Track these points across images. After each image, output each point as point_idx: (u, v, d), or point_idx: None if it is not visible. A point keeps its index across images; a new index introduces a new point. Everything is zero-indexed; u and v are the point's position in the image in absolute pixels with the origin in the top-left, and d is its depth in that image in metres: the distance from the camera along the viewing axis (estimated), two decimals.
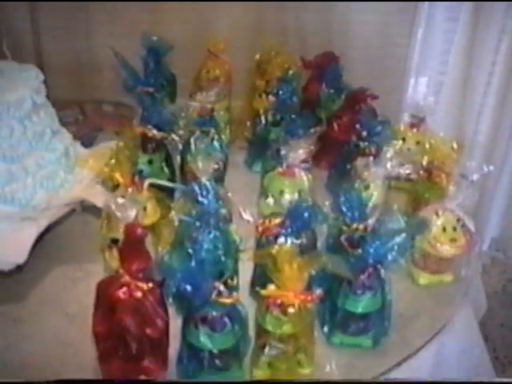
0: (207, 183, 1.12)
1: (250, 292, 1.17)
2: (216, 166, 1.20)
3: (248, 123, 1.62)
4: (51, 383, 1.00)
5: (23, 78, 1.27)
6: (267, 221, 1.12)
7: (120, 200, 1.12)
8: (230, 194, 1.19)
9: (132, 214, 1.09)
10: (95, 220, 1.30)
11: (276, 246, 1.01)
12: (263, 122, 1.53)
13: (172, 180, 1.36)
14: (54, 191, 1.26)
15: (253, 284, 1.17)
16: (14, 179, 1.20)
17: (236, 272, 1.13)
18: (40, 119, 1.26)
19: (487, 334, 1.36)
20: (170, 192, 1.29)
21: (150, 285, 0.98)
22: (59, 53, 2.12)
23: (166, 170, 1.38)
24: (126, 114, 1.82)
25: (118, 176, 1.22)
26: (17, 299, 1.20)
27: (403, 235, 1.05)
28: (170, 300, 1.07)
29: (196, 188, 1.11)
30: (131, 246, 0.97)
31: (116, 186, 1.24)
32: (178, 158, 1.44)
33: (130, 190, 1.20)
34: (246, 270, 1.18)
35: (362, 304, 1.07)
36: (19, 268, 1.20)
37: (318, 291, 1.01)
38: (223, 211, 1.10)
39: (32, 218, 1.22)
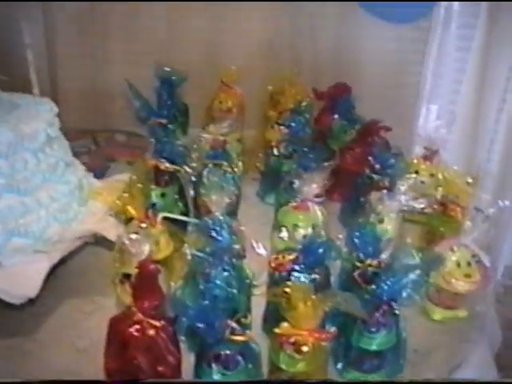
0: (221, 218, 1.11)
1: (263, 328, 1.16)
2: (229, 200, 1.19)
3: (260, 154, 1.62)
4: (49, 383, 1.01)
5: (38, 111, 1.27)
6: (281, 256, 1.11)
7: (133, 236, 1.11)
8: (243, 228, 1.18)
9: (145, 249, 1.08)
10: (107, 253, 1.30)
11: (290, 284, 0.99)
12: (276, 153, 1.52)
13: (185, 213, 1.36)
14: (66, 224, 1.26)
15: (265, 320, 1.16)
16: (28, 212, 1.20)
17: (249, 308, 1.12)
18: (53, 152, 1.26)
19: (502, 363, 1.34)
20: (182, 225, 1.28)
21: (163, 322, 0.97)
22: (74, 80, 2.13)
23: (179, 203, 1.38)
24: (139, 144, 1.82)
25: (131, 209, 1.22)
26: (27, 332, 1.19)
27: (418, 272, 1.04)
28: (182, 337, 1.05)
29: (209, 223, 1.10)
30: (144, 282, 0.97)
31: (129, 220, 1.24)
32: (191, 191, 1.42)
33: (143, 224, 1.18)
34: (258, 306, 1.16)
35: (376, 341, 1.05)
36: (30, 301, 1.19)
37: (333, 329, 1.00)
38: (236, 246, 1.09)
39: (44, 251, 1.21)
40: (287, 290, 0.96)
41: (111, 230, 1.30)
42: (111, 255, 1.22)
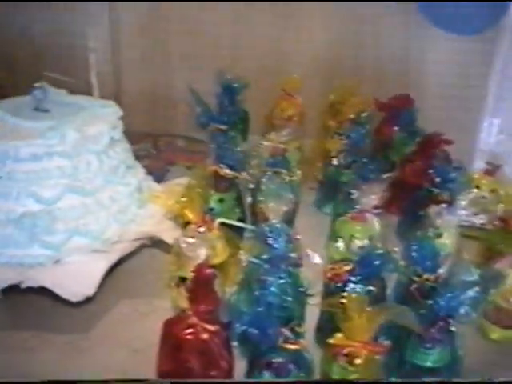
0: (278, 226, 1.11)
1: (315, 338, 1.15)
2: (287, 208, 1.19)
3: (319, 164, 1.61)
4: (51, 383, 1.01)
5: (103, 114, 1.30)
6: (337, 267, 1.10)
7: (190, 240, 1.12)
8: (299, 237, 1.18)
9: (202, 253, 1.09)
10: (164, 255, 1.32)
11: (346, 295, 0.99)
12: (335, 163, 1.51)
13: (242, 219, 1.36)
14: (125, 225, 1.28)
15: (318, 330, 1.15)
16: (88, 212, 1.23)
17: (303, 317, 1.11)
18: (116, 154, 1.29)
19: None
20: (239, 231, 1.29)
21: (217, 327, 0.97)
22: (136, 84, 2.15)
23: (236, 209, 1.38)
24: (198, 149, 1.84)
25: (189, 213, 1.22)
26: (83, 330, 1.21)
27: (476, 288, 1.02)
28: (235, 343, 1.06)
29: (267, 230, 1.10)
30: (200, 286, 0.97)
31: (187, 223, 1.24)
32: (249, 198, 1.43)
33: (201, 228, 1.19)
34: (311, 315, 1.16)
35: (431, 358, 1.03)
36: (88, 300, 1.21)
37: (387, 343, 0.99)
38: (293, 255, 1.09)
39: (103, 251, 1.23)
40: (343, 300, 0.95)
41: (168, 232, 1.31)
42: (168, 258, 1.23)
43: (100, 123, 1.26)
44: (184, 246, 1.12)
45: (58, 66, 2.11)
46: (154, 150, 1.85)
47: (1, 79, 1.82)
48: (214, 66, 1.79)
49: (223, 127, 1.60)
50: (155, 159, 1.79)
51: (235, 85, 1.70)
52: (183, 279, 1.15)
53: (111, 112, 1.31)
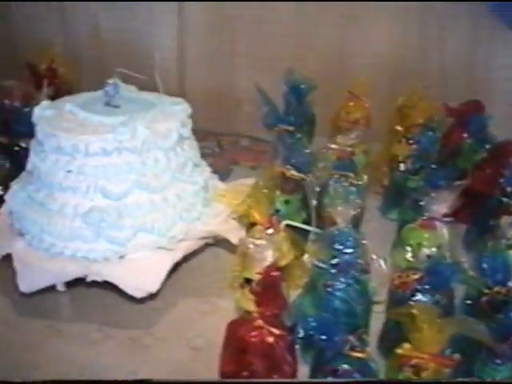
0: (346, 230, 1.09)
1: (378, 346, 1.13)
2: (354, 212, 1.17)
3: (385, 168, 1.57)
4: (48, 383, 1.00)
5: (172, 111, 1.30)
6: (404, 275, 1.08)
7: (258, 241, 1.11)
8: (366, 242, 1.15)
9: (268, 255, 1.08)
10: (227, 255, 1.33)
11: (416, 305, 0.96)
12: (402, 168, 1.48)
13: (307, 222, 1.34)
14: (191, 223, 1.28)
15: (382, 338, 1.12)
16: (155, 209, 1.23)
17: (368, 325, 1.09)
18: (184, 151, 1.29)
19: None
20: (304, 234, 1.27)
21: (282, 330, 0.96)
22: (201, 82, 2.16)
23: (301, 211, 1.36)
24: (263, 149, 1.83)
25: (255, 214, 1.21)
26: (146, 326, 1.21)
27: None
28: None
29: (334, 234, 1.08)
30: (267, 289, 0.96)
31: (252, 224, 1.23)
32: (314, 201, 1.41)
33: (269, 230, 1.17)
34: (374, 323, 1.13)
35: (501, 374, 1.00)
36: (151, 296, 1.21)
37: (456, 356, 0.96)
38: (360, 261, 1.07)
39: (168, 249, 1.23)
40: (413, 310, 0.92)
41: (233, 232, 1.31)
42: (231, 257, 1.24)
43: (170, 120, 1.26)
44: (251, 247, 1.11)
45: (125, 63, 2.14)
46: (217, 148, 1.84)
47: (68, 75, 1.82)
48: (279, 66, 1.77)
49: (290, 128, 1.58)
50: (219, 158, 1.79)
51: (303, 85, 1.67)
52: (248, 280, 1.14)
53: (181, 109, 1.31)
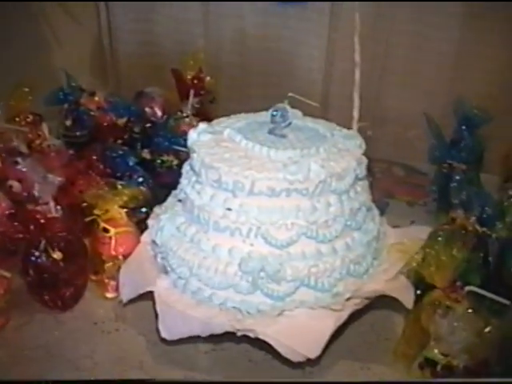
0: None
1: None
2: None
3: None
4: (48, 383, 0.96)
5: (346, 147, 1.10)
6: None
7: (439, 316, 0.89)
8: None
9: (462, 336, 0.86)
10: (396, 318, 1.15)
11: None
12: None
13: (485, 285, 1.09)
14: (358, 279, 1.06)
15: None
16: (322, 261, 1.03)
17: None
18: (357, 195, 1.09)
19: None
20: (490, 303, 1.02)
21: None
22: (346, 98, 1.93)
23: (480, 271, 1.12)
24: (419, 182, 1.62)
25: (435, 276, 1.02)
26: None
27: None
28: None
29: None
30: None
31: (429, 286, 1.03)
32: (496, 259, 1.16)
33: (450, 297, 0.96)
34: None
35: None
36: (308, 361, 1.01)
37: None
38: None
39: (331, 308, 1.01)
40: None
41: (404, 292, 1.10)
42: (400, 322, 1.10)
43: (345, 158, 1.06)
44: (438, 322, 0.89)
45: (267, 71, 1.96)
46: (370, 177, 1.60)
47: (213, 85, 1.63)
48: (434, 87, 1.64)
49: (462, 166, 1.34)
50: (372, 189, 1.55)
51: (475, 117, 1.41)
52: (431, 362, 0.92)
53: (356, 145, 1.09)
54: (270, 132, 1.14)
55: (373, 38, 1.78)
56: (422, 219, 1.41)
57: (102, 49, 2.06)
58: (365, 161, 1.11)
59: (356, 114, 1.25)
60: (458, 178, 1.35)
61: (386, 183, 1.62)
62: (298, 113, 1.22)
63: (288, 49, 1.96)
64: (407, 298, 1.08)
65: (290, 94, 1.13)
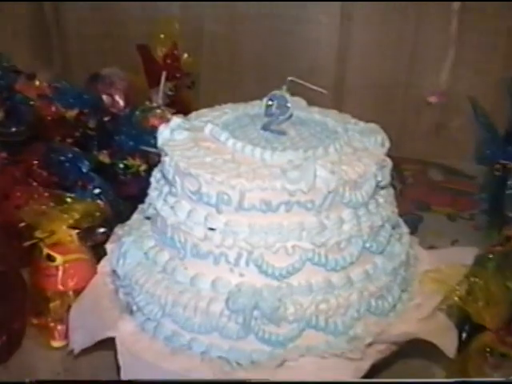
0: None
1: None
2: None
3: None
4: (45, 383, 1.02)
5: (364, 145, 1.13)
6: None
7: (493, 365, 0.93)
8: None
9: None
10: (433, 369, 1.17)
11: None
12: None
13: None
14: (383, 318, 1.09)
15: None
16: (333, 295, 1.06)
17: None
18: (378, 208, 1.13)
19: None
20: None
21: None
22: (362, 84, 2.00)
23: None
24: (462, 188, 1.67)
25: (484, 314, 1.05)
26: None
27: None
28: None
29: None
30: None
31: (476, 327, 1.07)
32: None
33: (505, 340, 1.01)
34: None
35: None
36: None
37: None
38: None
39: (347, 356, 1.04)
40: None
41: (443, 336, 1.12)
42: (437, 373, 1.14)
43: (364, 161, 1.09)
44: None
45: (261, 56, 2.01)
46: (398, 183, 1.65)
47: (190, 65, 1.67)
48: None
49: None
50: (401, 198, 1.59)
51: None
52: None
53: (377, 142, 1.12)
54: (265, 128, 1.16)
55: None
56: (467, 238, 1.44)
57: (44, 18, 2.10)
58: (389, 163, 1.14)
59: None
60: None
61: (419, 191, 1.66)
62: (301, 102, 1.25)
63: (291, 13, 1.99)
64: (448, 344, 1.11)
65: (289, 78, 1.15)
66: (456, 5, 1.83)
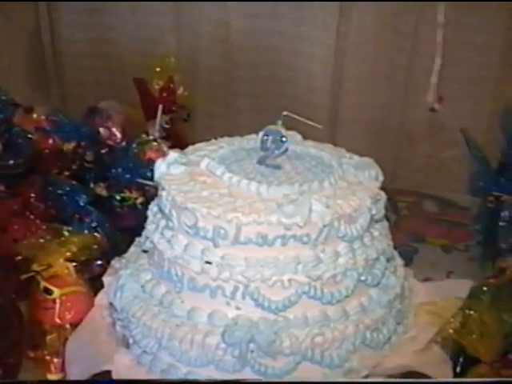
0: None
1: None
2: None
3: None
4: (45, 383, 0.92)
5: (359, 179, 1.15)
6: None
7: None
8: None
9: None
10: None
11: None
12: None
13: None
14: (378, 351, 1.10)
15: None
16: (329, 327, 1.07)
17: None
18: (373, 241, 1.14)
19: None
20: None
21: None
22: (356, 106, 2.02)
23: None
24: (457, 220, 1.68)
25: (478, 346, 1.06)
26: None
27: None
28: None
29: None
30: None
31: (471, 360, 1.08)
32: None
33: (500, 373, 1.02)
34: None
35: None
36: None
37: None
38: None
39: None
40: None
41: (438, 368, 1.13)
42: None
43: (358, 195, 1.10)
44: None
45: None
46: (393, 215, 1.66)
47: (186, 98, 1.68)
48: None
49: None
50: (395, 229, 1.60)
51: None
52: None
53: (370, 176, 1.14)
54: (261, 162, 1.18)
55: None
56: (462, 269, 1.45)
57: (42, 51, 2.11)
58: (383, 197, 1.15)
59: None
60: (508, 214, 1.38)
61: (414, 222, 1.67)
62: (297, 136, 1.26)
63: (284, 47, 2.01)
64: (443, 376, 1.11)
65: (285, 113, 1.16)
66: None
